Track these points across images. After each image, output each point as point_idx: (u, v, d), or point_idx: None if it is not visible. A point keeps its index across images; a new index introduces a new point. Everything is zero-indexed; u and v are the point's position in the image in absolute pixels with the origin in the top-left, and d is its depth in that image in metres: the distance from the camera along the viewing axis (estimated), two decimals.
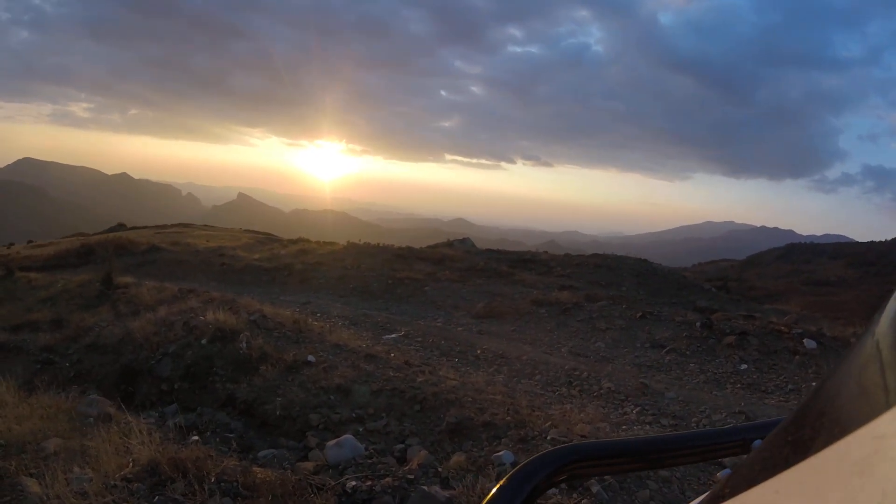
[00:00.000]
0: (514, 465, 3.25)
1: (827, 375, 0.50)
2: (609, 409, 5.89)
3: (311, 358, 5.41)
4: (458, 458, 3.31)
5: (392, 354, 6.20)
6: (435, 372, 5.43)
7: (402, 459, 3.54)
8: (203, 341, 6.00)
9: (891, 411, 0.44)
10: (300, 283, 13.90)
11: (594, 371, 7.06)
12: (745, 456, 0.77)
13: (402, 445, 3.86)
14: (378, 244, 19.14)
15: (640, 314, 9.52)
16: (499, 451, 3.36)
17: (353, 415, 4.42)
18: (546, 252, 17.75)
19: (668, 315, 9.60)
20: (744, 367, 7.68)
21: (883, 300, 0.48)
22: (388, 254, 17.04)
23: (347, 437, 3.44)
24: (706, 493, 0.63)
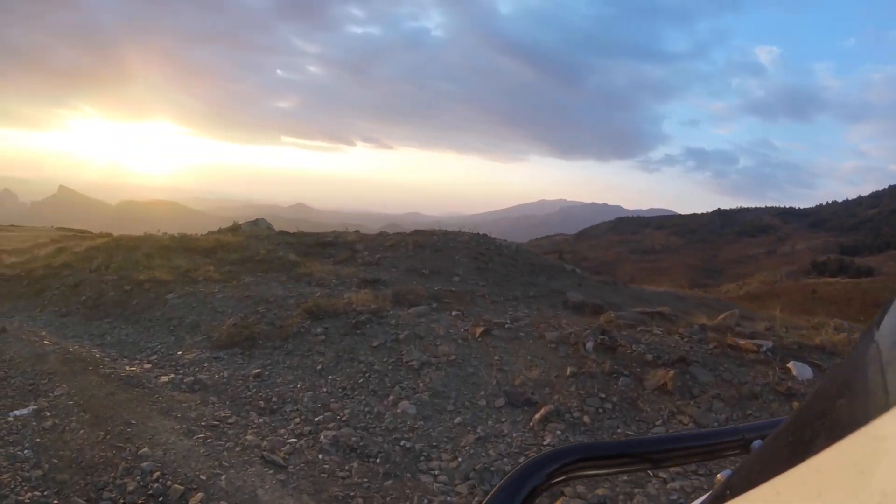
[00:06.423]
0: None
1: (827, 376, 0.50)
2: None
3: None
4: None
5: None
6: None
7: None
8: None
9: (891, 412, 0.44)
10: (35, 294, 9.98)
11: None
12: (745, 456, 0.77)
13: None
14: (152, 234, 14.65)
15: (482, 328, 5.36)
16: None
17: None
18: (357, 231, 13.27)
19: (528, 326, 5.55)
20: None
21: (886, 302, 0.48)
22: (152, 246, 12.66)
23: None
24: (706, 494, 0.61)
